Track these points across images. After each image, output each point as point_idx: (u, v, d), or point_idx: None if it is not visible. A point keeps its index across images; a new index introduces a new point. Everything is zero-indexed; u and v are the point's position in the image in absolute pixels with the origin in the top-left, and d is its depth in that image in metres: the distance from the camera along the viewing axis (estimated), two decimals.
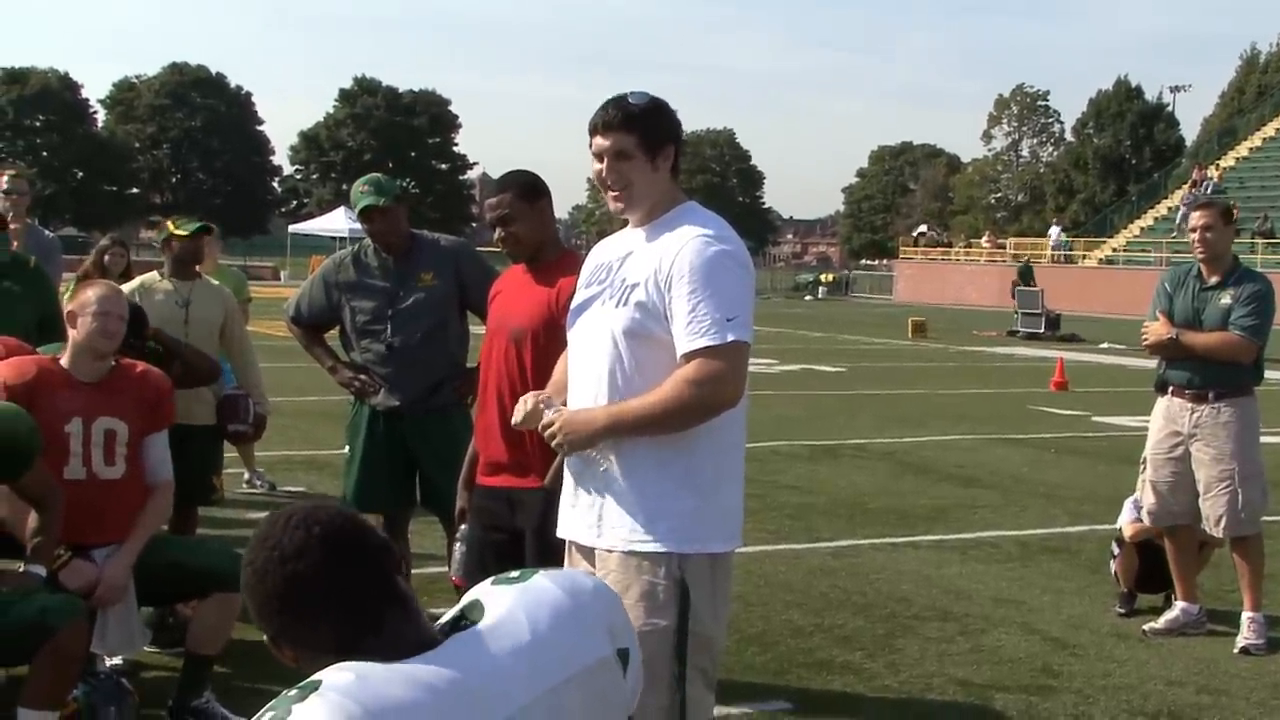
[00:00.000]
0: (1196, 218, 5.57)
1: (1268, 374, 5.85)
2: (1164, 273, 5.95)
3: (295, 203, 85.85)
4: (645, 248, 2.79)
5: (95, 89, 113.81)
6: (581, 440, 2.75)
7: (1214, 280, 5.52)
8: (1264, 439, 5.79)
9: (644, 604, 2.66)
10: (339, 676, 1.50)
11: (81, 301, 4.11)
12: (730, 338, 2.65)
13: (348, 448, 5.14)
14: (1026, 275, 31.22)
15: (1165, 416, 5.64)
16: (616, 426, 2.71)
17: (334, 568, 1.60)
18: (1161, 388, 5.69)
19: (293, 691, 1.50)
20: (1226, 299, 5.45)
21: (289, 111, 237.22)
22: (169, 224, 5.77)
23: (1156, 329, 5.60)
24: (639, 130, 2.76)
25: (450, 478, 4.17)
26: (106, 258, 7.43)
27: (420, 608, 1.66)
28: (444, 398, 4.94)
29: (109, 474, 4.09)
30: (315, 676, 1.51)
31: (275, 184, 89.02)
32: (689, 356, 2.66)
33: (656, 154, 2.78)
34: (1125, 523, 6.16)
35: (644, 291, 2.72)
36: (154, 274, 5.82)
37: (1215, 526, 5.50)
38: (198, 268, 6.06)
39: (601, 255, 2.94)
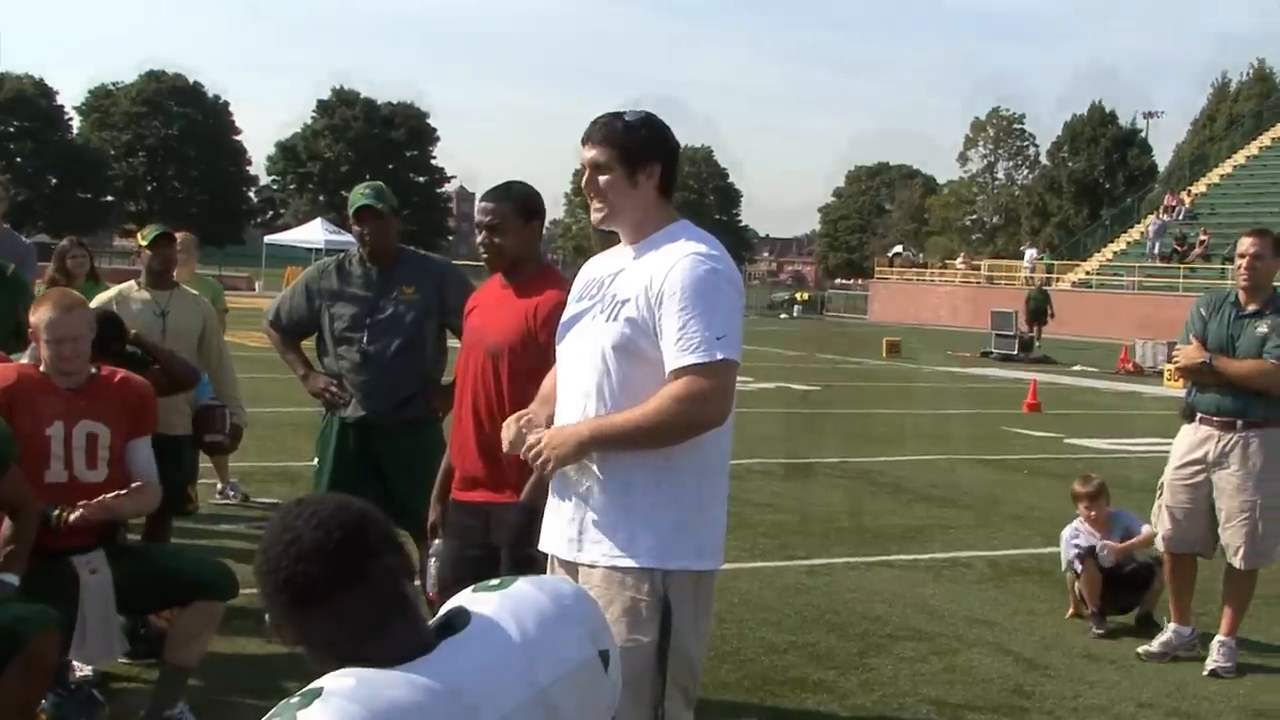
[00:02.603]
0: (1247, 244, 5.47)
1: None
2: (1200, 297, 5.81)
3: (271, 213, 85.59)
4: (635, 264, 2.80)
5: (70, 95, 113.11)
6: (568, 455, 2.75)
7: (1252, 308, 5.43)
8: None
9: (626, 620, 2.66)
10: (340, 682, 1.53)
11: (35, 324, 4.06)
12: (719, 356, 2.65)
13: (317, 459, 5.12)
14: (1041, 302, 29.56)
15: (1189, 443, 5.56)
16: (600, 439, 2.71)
17: (345, 578, 1.61)
18: (1189, 414, 5.60)
19: (295, 699, 1.53)
20: (1263, 327, 5.36)
21: (266, 122, 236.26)
22: (139, 235, 5.80)
23: (1189, 352, 5.51)
24: (618, 146, 2.78)
25: (419, 492, 4.15)
26: (69, 262, 7.40)
27: (420, 612, 1.68)
28: (415, 411, 4.92)
29: (91, 478, 4.07)
30: (316, 684, 1.54)
31: (251, 194, 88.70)
32: (677, 374, 2.67)
33: (636, 171, 2.79)
34: (1067, 550, 6.19)
35: (634, 308, 2.73)
36: (131, 284, 5.81)
37: (1234, 556, 5.47)
38: (175, 277, 6.05)
39: (593, 271, 2.95)
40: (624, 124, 2.80)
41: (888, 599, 6.45)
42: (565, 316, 2.95)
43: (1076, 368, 24.90)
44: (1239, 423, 5.42)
